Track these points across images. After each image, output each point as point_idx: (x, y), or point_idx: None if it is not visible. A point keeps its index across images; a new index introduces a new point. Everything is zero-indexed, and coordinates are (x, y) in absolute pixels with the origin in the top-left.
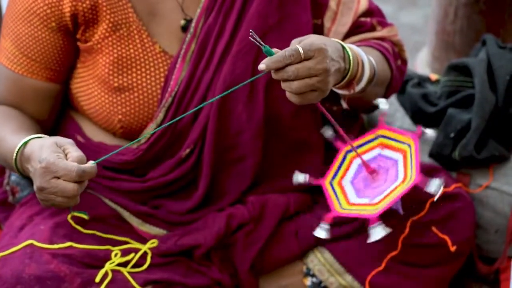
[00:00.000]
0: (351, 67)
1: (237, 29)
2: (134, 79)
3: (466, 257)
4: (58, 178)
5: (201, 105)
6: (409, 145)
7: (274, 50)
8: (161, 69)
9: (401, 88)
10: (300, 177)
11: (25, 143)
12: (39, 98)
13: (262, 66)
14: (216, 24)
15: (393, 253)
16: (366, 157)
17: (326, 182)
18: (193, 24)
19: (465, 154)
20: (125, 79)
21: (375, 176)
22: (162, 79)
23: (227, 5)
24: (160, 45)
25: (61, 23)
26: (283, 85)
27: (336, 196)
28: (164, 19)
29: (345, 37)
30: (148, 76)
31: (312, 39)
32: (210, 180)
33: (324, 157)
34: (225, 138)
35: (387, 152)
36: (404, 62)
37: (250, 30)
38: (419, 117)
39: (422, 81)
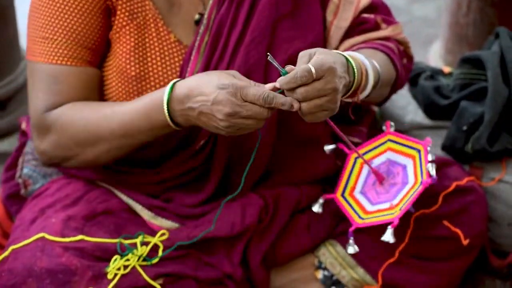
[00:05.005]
0: (355, 79)
1: (250, 19)
2: (150, 68)
3: (478, 251)
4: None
5: None
6: (419, 150)
7: (288, 68)
8: (176, 59)
9: (414, 81)
10: (316, 207)
11: (172, 86)
12: (100, 86)
13: (277, 84)
14: (228, 15)
15: (403, 245)
16: (375, 162)
17: (338, 195)
18: (205, 16)
19: (477, 147)
20: (141, 68)
21: (385, 182)
22: (178, 69)
23: None
24: (175, 34)
25: (111, 2)
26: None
27: (352, 208)
28: (181, 9)
29: (348, 33)
30: (163, 65)
31: (322, 58)
32: (223, 172)
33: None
34: None
35: (395, 157)
36: (410, 59)
37: (267, 54)
38: (432, 110)
39: (435, 73)
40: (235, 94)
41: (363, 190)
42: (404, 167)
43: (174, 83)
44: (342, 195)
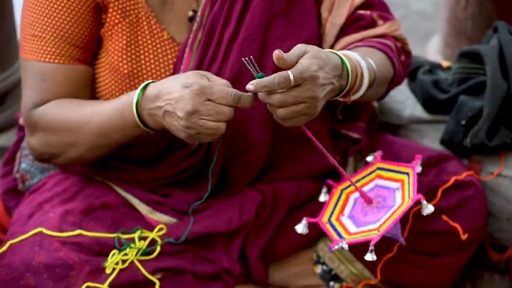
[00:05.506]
0: (348, 83)
1: (243, 17)
2: (143, 66)
3: (477, 245)
4: (211, 101)
5: None
6: (407, 174)
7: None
8: (169, 56)
9: (412, 75)
10: (300, 228)
11: (145, 87)
12: (90, 83)
13: (250, 86)
14: (222, 12)
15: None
16: (363, 189)
17: (324, 220)
18: (199, 13)
19: (476, 141)
20: (134, 66)
21: (372, 205)
22: (171, 66)
23: None
24: (168, 32)
25: (101, 0)
26: (269, 108)
27: (336, 230)
28: (173, 6)
29: (343, 30)
30: (156, 63)
31: (305, 65)
32: (220, 170)
33: (332, 145)
34: (232, 127)
35: (383, 183)
36: (408, 55)
37: (251, 56)
38: (431, 104)
39: (433, 68)
40: (199, 93)
41: (350, 215)
42: (393, 191)
43: (147, 84)
44: (329, 220)
